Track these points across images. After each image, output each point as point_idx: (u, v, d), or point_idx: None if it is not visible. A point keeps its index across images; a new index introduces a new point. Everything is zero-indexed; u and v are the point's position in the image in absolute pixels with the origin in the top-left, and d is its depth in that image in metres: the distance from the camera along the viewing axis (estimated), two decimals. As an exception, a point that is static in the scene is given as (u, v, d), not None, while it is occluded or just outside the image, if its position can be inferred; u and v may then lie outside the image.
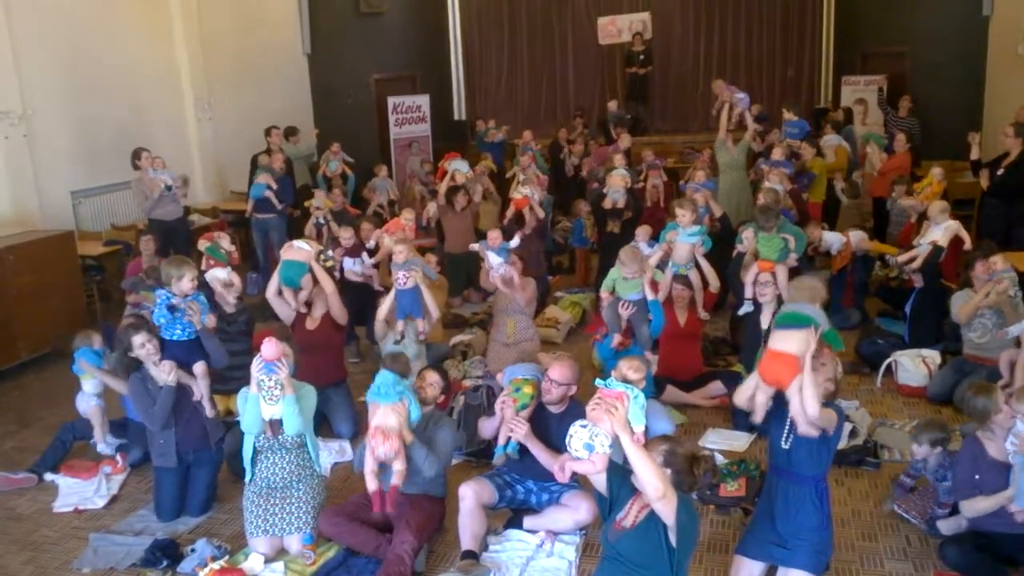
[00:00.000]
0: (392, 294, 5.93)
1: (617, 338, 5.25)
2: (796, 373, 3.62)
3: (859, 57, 13.96)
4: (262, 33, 12.27)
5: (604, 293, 5.45)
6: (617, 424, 3.05)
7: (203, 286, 6.26)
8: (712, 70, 15.22)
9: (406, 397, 4.25)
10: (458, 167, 8.59)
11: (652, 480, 2.99)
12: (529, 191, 8.43)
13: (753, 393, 3.85)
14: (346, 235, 7.29)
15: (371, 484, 4.19)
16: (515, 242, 6.52)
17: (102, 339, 5.68)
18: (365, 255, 7.26)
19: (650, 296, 5.18)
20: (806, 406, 3.59)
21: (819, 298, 4.00)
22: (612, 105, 13.87)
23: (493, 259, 6.34)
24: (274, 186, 9.12)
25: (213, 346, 4.90)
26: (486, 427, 4.73)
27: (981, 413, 4.15)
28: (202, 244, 6.54)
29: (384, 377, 4.25)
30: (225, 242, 6.55)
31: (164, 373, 4.66)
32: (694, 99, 15.71)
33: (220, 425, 5.02)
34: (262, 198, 9.09)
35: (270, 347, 4.20)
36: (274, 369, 4.20)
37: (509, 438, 4.40)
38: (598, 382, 3.22)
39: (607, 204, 8.12)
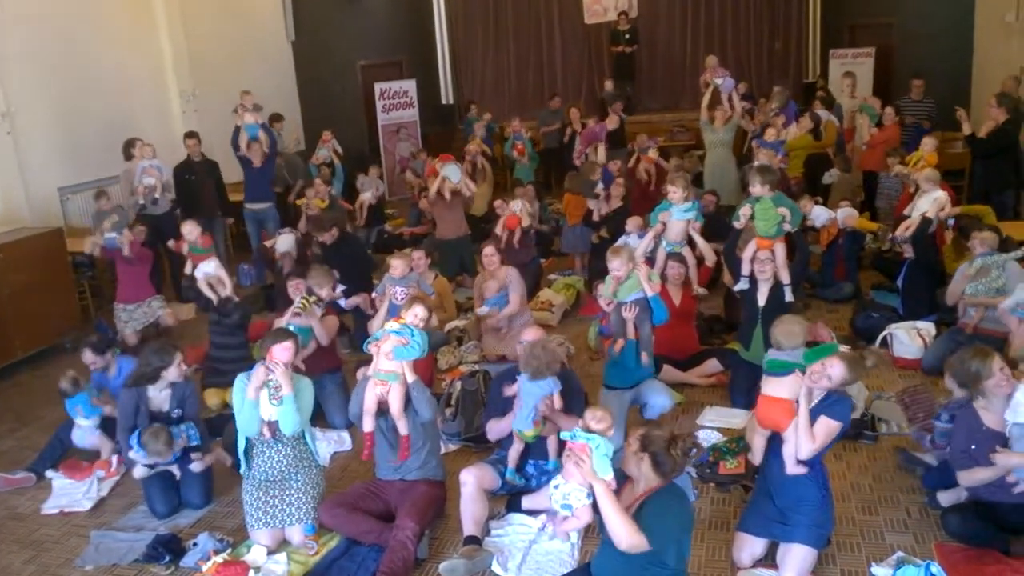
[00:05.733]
0: (385, 307, 5.85)
1: (620, 343, 5.25)
2: (791, 414, 3.77)
3: (846, 29, 13.91)
4: (246, 22, 12.15)
5: (604, 301, 5.44)
6: (586, 475, 3.17)
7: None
8: (699, 46, 15.14)
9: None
10: (448, 174, 8.46)
11: (620, 531, 3.10)
12: (520, 205, 8.40)
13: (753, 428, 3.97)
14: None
15: (368, 424, 4.29)
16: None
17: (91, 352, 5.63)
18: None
19: (649, 292, 5.15)
20: (798, 448, 3.73)
21: (796, 337, 4.03)
22: (608, 85, 13.85)
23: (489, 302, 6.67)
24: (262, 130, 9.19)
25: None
26: (494, 430, 4.75)
27: (973, 376, 4.11)
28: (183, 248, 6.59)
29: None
30: (192, 231, 6.51)
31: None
32: (682, 77, 15.62)
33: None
34: (256, 137, 9.13)
35: (282, 351, 4.32)
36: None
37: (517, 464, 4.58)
38: (563, 435, 3.32)
39: (595, 217, 8.07)
